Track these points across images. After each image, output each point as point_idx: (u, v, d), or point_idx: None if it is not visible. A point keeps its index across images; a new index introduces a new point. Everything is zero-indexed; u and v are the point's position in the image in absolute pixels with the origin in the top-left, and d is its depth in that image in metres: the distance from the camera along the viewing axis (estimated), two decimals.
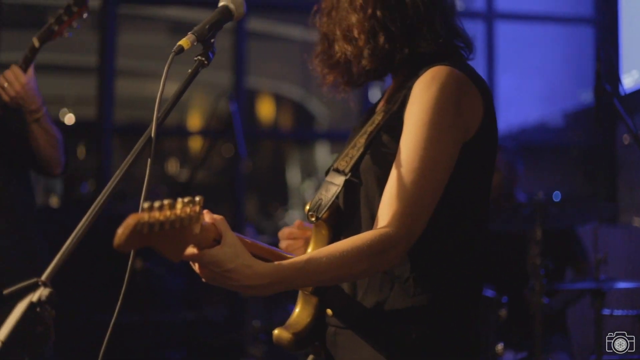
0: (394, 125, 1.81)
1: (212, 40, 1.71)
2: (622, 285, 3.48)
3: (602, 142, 6.66)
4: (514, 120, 6.96)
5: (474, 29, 7.81)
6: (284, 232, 2.17)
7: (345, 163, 1.90)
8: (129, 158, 1.54)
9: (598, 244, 3.64)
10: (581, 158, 7.09)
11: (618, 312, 3.59)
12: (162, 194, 7.61)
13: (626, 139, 3.15)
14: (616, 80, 3.07)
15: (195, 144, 11.43)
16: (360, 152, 1.87)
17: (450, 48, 1.91)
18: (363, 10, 1.89)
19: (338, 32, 1.96)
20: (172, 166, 10.10)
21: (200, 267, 1.56)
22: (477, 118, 1.79)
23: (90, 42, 6.38)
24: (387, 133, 1.83)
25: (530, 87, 7.04)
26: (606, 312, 3.44)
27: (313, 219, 1.92)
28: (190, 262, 1.57)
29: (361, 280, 1.85)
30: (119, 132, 6.53)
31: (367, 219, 1.84)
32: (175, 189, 8.94)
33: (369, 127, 1.92)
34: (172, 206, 1.35)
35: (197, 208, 1.39)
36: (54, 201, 7.84)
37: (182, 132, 9.20)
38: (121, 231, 1.26)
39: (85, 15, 3.14)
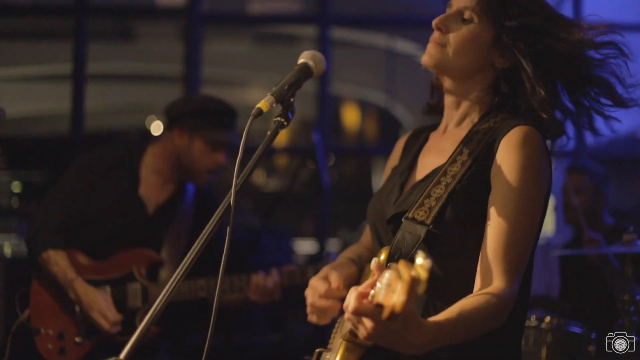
0: (477, 182, 1.87)
1: (292, 100, 1.74)
2: None
3: None
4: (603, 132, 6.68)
5: None
6: (317, 288, 2.07)
7: (425, 213, 1.88)
8: (210, 224, 1.60)
9: None
10: None
11: None
12: (247, 208, 7.58)
13: None
14: None
15: (281, 154, 11.45)
16: (441, 204, 1.87)
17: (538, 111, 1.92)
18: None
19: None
20: (259, 177, 10.15)
21: (376, 324, 1.46)
22: (551, 174, 1.92)
23: (175, 51, 6.43)
24: (469, 188, 1.87)
25: None
26: None
27: None
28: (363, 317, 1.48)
29: None
30: None
31: (451, 272, 1.88)
32: (263, 200, 8.93)
33: (441, 177, 1.91)
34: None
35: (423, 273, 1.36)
36: None
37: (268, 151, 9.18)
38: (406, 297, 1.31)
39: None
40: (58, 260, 3.16)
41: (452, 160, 1.93)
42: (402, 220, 1.91)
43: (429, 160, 2.04)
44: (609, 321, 3.73)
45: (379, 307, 1.38)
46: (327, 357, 1.95)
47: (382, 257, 1.90)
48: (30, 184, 14.45)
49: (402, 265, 1.34)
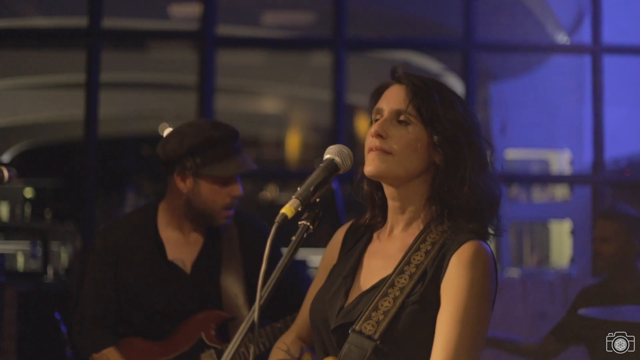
0: (426, 297, 1.82)
1: (317, 200, 1.67)
2: None
3: None
4: (622, 154, 6.69)
5: (580, 63, 7.58)
6: None
7: (372, 327, 1.83)
8: (234, 343, 1.54)
9: None
10: None
11: None
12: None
13: None
14: None
15: (293, 168, 11.41)
16: (389, 318, 1.82)
17: (483, 217, 1.90)
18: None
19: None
20: (271, 191, 10.16)
21: None
22: (497, 286, 1.90)
23: (190, 61, 6.44)
24: (418, 304, 1.82)
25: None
26: None
27: None
28: None
29: None
30: None
31: None
32: (276, 214, 8.90)
33: (389, 289, 1.86)
34: None
35: None
36: None
37: (282, 174, 9.20)
38: None
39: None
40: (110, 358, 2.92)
41: (399, 270, 1.87)
42: (349, 332, 1.85)
43: (375, 265, 1.96)
44: None
45: None
46: None
47: None
48: (43, 190, 14.55)
49: None
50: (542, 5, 8.19)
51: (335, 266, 2.05)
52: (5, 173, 2.48)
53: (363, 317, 1.84)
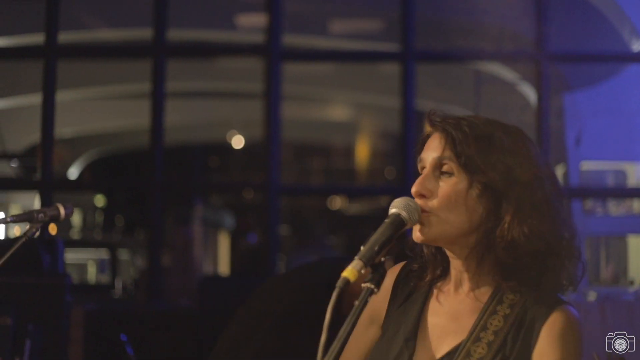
0: None
1: (383, 260, 1.54)
2: None
3: None
4: None
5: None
6: None
7: None
8: None
9: None
10: None
11: None
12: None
13: None
14: None
15: (362, 176, 11.42)
16: None
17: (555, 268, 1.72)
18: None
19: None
20: (338, 202, 10.15)
21: None
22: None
23: (257, 69, 6.44)
24: None
25: None
26: None
27: None
28: None
29: None
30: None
31: None
32: (342, 222, 8.89)
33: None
34: None
35: None
36: None
37: (350, 190, 9.28)
38: None
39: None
40: None
41: (475, 337, 1.69)
42: None
43: (442, 328, 1.76)
44: None
45: None
46: None
47: None
48: (115, 198, 14.78)
49: None
50: (618, 12, 7.94)
51: (388, 321, 1.84)
52: (62, 210, 2.47)
53: None
